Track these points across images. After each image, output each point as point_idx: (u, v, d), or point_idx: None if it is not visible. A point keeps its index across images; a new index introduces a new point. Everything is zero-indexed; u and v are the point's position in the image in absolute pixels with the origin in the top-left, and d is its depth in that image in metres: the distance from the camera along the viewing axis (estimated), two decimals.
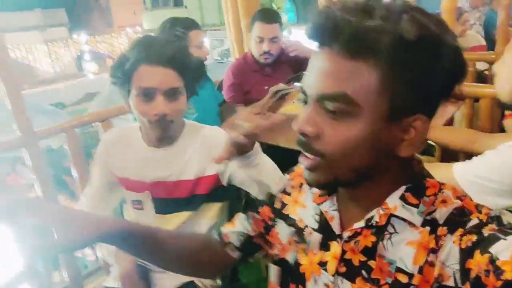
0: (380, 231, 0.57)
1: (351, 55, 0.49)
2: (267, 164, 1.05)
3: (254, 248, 0.79)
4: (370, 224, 0.57)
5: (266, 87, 1.68)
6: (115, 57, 1.41)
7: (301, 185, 0.73)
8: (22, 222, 0.90)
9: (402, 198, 0.56)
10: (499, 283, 0.44)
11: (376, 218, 0.57)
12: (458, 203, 0.55)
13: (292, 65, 2.13)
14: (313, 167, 0.56)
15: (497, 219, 0.52)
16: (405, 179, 0.57)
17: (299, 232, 0.68)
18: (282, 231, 0.73)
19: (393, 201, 0.56)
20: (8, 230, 1.55)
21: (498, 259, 0.45)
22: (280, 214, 0.74)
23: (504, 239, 0.47)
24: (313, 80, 0.53)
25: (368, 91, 0.50)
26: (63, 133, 1.66)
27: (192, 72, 1.09)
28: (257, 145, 0.98)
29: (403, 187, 0.57)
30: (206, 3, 15.06)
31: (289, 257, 0.70)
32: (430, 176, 0.59)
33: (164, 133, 1.10)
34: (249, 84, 2.12)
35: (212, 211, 1.20)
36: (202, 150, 1.13)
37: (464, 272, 0.49)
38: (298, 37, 4.81)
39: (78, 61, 14.21)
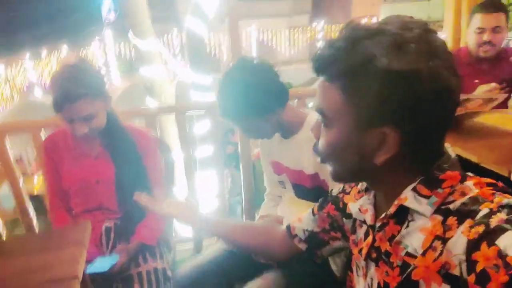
0: (402, 220, 0.63)
1: (327, 80, 0.62)
2: None
3: (320, 242, 0.90)
4: (388, 214, 0.64)
5: (477, 81, 1.55)
6: None
7: (357, 183, 0.81)
8: None
9: (414, 189, 0.61)
10: (506, 278, 0.46)
11: (390, 209, 0.63)
12: (475, 192, 0.56)
13: None
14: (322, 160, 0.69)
15: (509, 208, 0.52)
16: (421, 173, 0.61)
17: (354, 225, 0.78)
18: (347, 227, 0.83)
19: (406, 193, 0.62)
20: None
21: (507, 255, 0.47)
22: (345, 213, 0.84)
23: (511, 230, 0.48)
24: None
25: (335, 107, 0.61)
26: None
27: None
28: None
29: (418, 180, 0.61)
30: None
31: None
32: (457, 169, 0.61)
33: None
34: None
35: None
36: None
37: (470, 263, 0.51)
38: None
39: (311, 47, 15.35)
